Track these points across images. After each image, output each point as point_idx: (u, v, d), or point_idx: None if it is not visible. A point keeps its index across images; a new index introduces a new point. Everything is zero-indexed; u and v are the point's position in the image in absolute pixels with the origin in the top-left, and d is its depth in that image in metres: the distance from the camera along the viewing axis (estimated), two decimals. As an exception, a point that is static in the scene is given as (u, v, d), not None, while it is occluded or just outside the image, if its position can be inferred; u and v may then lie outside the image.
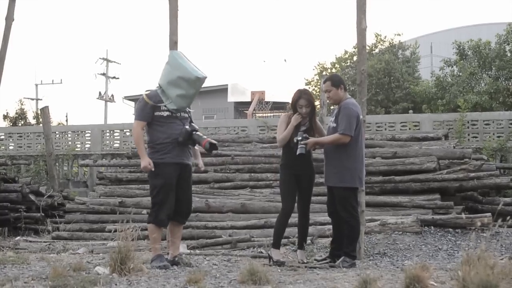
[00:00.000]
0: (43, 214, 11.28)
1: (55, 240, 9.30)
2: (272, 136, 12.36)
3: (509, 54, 21.07)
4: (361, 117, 6.14)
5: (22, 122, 28.28)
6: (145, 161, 5.68)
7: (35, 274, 5.18)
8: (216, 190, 10.23)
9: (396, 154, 9.99)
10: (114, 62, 39.46)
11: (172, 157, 5.75)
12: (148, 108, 5.77)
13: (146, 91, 5.89)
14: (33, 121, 28.02)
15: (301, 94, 6.11)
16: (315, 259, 6.24)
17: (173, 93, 5.74)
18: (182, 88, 5.73)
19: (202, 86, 5.94)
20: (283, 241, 6.64)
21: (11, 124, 28.02)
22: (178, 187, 5.81)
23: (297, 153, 5.91)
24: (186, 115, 5.93)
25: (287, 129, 6.08)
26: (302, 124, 6.13)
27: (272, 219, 8.55)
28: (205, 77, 5.80)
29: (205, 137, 5.86)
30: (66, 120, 35.28)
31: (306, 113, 6.11)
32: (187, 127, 5.79)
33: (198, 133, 5.83)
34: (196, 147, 5.98)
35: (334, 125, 6.08)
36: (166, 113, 5.78)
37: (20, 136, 18.82)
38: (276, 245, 6.19)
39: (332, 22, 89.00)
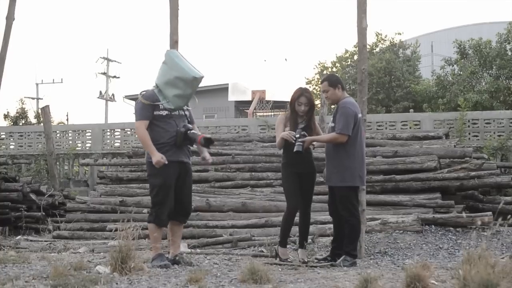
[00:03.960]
0: (44, 214, 11.28)
1: (56, 239, 9.29)
2: (273, 135, 12.36)
3: (509, 53, 21.06)
4: (359, 115, 6.14)
5: (23, 122, 28.26)
6: (157, 156, 5.65)
7: (36, 273, 5.17)
8: (216, 189, 10.22)
9: (397, 153, 9.97)
10: (115, 61, 39.44)
11: (171, 156, 5.73)
12: (148, 107, 5.76)
13: (142, 91, 5.87)
14: (34, 121, 28.01)
15: (302, 92, 6.13)
16: (316, 258, 6.25)
17: (170, 93, 5.73)
18: (179, 88, 5.72)
19: (202, 85, 5.94)
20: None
21: (12, 123, 27.99)
22: (178, 187, 5.80)
23: (294, 150, 5.90)
24: (184, 113, 5.92)
25: (279, 139, 6.11)
26: (300, 122, 6.14)
27: (273, 218, 8.58)
28: (202, 77, 5.78)
29: (199, 133, 5.85)
30: (67, 119, 35.31)
31: (304, 111, 6.12)
32: (182, 128, 5.76)
33: (192, 131, 5.81)
34: (194, 145, 5.98)
35: (333, 124, 6.12)
36: (165, 112, 5.77)
37: (21, 136, 18.82)
38: (283, 243, 6.22)
39: (332, 21, 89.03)
